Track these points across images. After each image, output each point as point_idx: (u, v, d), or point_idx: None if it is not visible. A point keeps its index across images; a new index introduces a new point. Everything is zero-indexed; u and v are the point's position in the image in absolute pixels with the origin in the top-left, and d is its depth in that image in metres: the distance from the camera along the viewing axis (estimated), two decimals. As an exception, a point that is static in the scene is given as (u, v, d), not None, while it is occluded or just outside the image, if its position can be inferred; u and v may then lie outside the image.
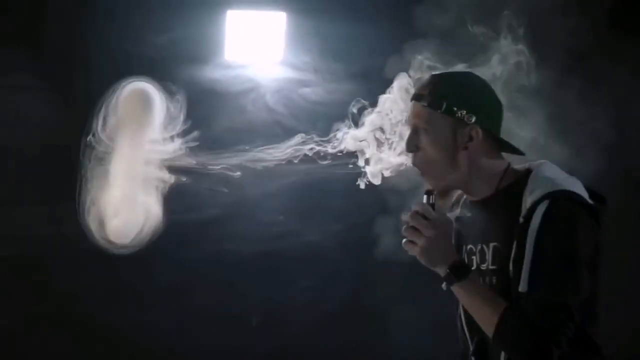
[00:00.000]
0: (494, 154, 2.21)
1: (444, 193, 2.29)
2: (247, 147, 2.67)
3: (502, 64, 2.86)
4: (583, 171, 3.46)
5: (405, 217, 2.14)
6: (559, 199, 2.07)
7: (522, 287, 2.04)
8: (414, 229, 2.11)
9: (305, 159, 2.60)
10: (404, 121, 2.40)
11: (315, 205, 4.40)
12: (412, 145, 2.20)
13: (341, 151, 2.53)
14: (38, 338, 4.74)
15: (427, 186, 2.25)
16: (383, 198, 3.22)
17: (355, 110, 2.47)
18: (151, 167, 2.72)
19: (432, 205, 2.17)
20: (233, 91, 4.05)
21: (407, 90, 2.60)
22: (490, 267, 2.18)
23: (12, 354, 4.74)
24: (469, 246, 2.28)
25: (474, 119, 2.15)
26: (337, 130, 2.58)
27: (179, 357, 4.76)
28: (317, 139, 2.61)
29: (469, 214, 2.30)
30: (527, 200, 2.09)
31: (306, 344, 4.80)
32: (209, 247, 4.49)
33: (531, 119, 2.93)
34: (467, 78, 2.28)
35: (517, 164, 2.25)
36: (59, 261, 4.62)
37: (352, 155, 2.64)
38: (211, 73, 3.95)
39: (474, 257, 2.26)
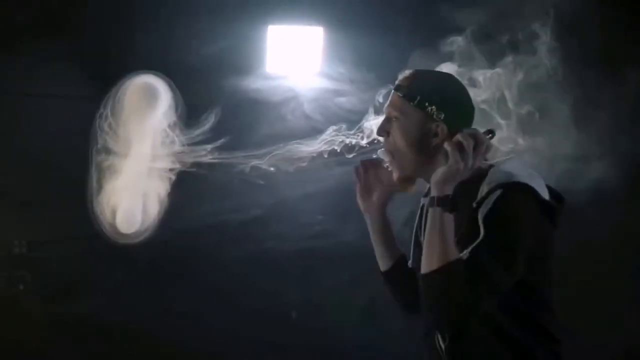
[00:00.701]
0: None
1: (409, 180, 2.31)
2: (281, 145, 2.65)
3: (526, 65, 2.83)
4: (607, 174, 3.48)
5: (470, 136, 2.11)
6: (512, 189, 2.11)
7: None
8: (471, 143, 2.10)
9: (334, 152, 2.59)
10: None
11: (353, 205, 4.42)
12: (383, 131, 2.26)
13: (372, 141, 2.48)
14: (78, 339, 4.76)
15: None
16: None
17: (381, 99, 2.44)
18: (157, 158, 2.68)
19: (488, 140, 2.17)
20: (273, 100, 4.12)
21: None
22: None
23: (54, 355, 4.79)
24: None
25: (442, 117, 2.18)
26: (364, 119, 2.56)
27: (219, 351, 4.83)
28: (345, 131, 2.59)
29: None
30: (484, 190, 2.13)
31: (342, 339, 4.89)
32: (250, 245, 4.59)
33: (554, 120, 2.91)
34: (446, 78, 2.32)
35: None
36: (98, 261, 4.64)
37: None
38: (253, 83, 4.01)
39: None
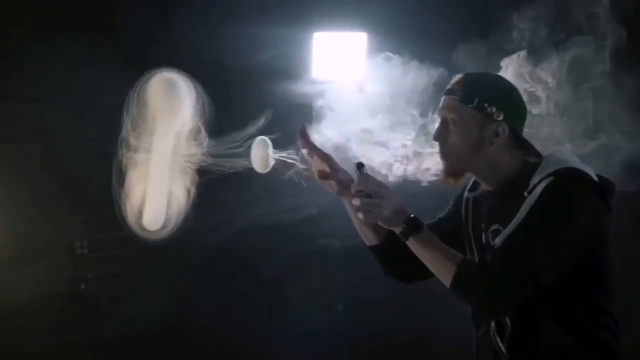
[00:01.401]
0: (514, 151, 2.20)
1: (458, 175, 2.26)
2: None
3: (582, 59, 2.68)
4: None
5: (353, 198, 2.11)
6: (564, 175, 2.09)
7: (498, 241, 2.08)
8: (362, 200, 2.08)
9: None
10: (435, 112, 2.33)
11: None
12: (440, 136, 2.22)
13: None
14: (138, 337, 4.86)
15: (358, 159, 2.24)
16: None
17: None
18: (181, 154, 2.63)
19: (367, 176, 2.16)
20: (320, 104, 4.25)
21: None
22: None
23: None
24: (493, 227, 2.22)
25: (502, 116, 2.16)
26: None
27: (271, 340, 4.98)
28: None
29: (489, 199, 2.26)
30: (535, 179, 2.12)
31: (391, 330, 5.00)
32: (305, 243, 4.83)
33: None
34: (498, 79, 2.30)
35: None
36: (157, 259, 4.72)
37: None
38: (301, 87, 4.07)
39: (485, 236, 2.23)
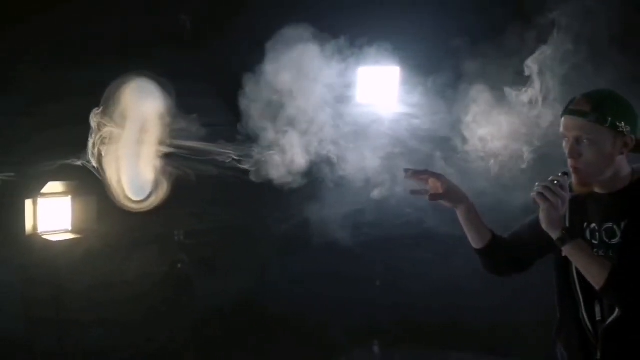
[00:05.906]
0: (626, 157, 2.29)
1: (589, 185, 2.33)
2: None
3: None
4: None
5: (548, 180, 2.20)
6: None
7: None
8: (549, 190, 2.17)
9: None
10: (560, 132, 2.34)
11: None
12: (576, 153, 2.27)
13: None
14: (226, 312, 5.64)
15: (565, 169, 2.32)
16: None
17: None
18: (155, 142, 2.80)
19: (566, 182, 2.25)
20: (363, 122, 4.40)
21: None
22: (618, 240, 2.22)
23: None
24: (593, 225, 2.32)
25: (629, 129, 2.25)
26: None
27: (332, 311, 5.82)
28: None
29: (601, 201, 2.31)
30: None
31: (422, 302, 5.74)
32: (356, 232, 5.44)
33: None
34: (615, 94, 2.33)
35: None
36: (240, 245, 5.37)
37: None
38: (349, 110, 4.29)
39: (598, 234, 2.31)
